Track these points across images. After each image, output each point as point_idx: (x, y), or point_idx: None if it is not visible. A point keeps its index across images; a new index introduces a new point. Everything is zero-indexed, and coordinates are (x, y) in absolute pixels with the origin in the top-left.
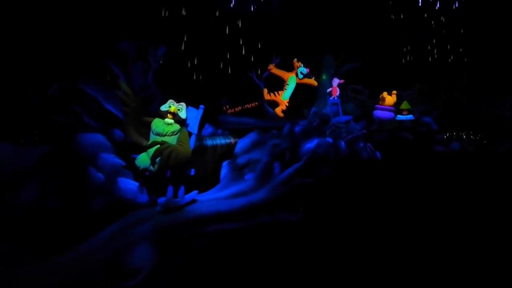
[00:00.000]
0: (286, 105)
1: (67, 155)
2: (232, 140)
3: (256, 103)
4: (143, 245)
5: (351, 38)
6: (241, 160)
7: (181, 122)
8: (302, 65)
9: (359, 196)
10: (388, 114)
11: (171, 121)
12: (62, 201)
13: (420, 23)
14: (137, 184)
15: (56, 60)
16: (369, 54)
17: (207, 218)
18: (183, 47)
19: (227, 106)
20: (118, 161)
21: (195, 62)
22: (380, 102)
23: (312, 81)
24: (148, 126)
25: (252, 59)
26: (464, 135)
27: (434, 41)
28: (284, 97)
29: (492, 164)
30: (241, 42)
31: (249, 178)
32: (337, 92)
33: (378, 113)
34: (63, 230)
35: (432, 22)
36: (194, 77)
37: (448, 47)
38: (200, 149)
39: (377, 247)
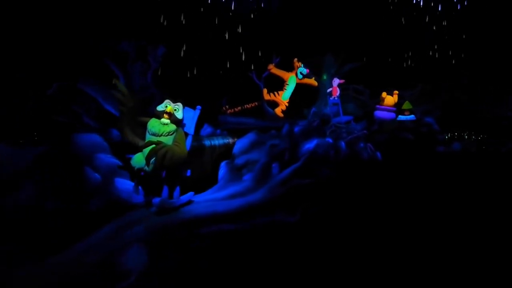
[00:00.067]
0: (286, 105)
1: (65, 155)
2: (230, 141)
3: (256, 103)
4: (138, 246)
5: (352, 38)
6: (239, 161)
7: (177, 122)
8: (302, 65)
9: (359, 197)
10: (389, 115)
11: (167, 121)
12: (60, 201)
13: (421, 23)
14: (133, 184)
15: (56, 60)
16: (370, 54)
17: (204, 219)
18: (183, 47)
19: (227, 106)
20: (115, 161)
21: (195, 62)
22: (380, 102)
23: (312, 81)
24: (144, 126)
25: (252, 59)
26: (466, 135)
27: (435, 41)
28: (284, 97)
29: (494, 164)
30: (241, 42)
31: (247, 178)
32: (337, 92)
33: (378, 113)
34: (61, 230)
35: (433, 22)
36: (194, 77)
37: (449, 47)
38: (198, 149)
39: (377, 247)
